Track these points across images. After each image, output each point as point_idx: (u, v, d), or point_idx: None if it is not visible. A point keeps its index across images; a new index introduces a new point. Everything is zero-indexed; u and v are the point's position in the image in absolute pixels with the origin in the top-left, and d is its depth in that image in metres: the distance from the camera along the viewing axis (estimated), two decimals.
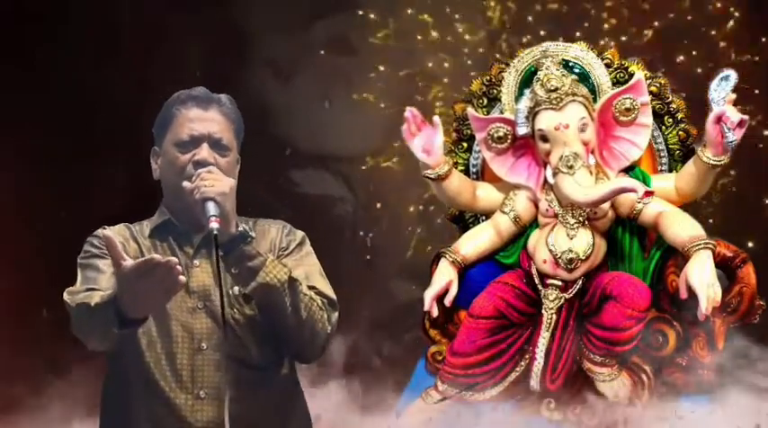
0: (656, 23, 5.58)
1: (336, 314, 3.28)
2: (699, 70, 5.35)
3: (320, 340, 3.23)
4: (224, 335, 3.14)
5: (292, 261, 3.31)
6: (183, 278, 2.91)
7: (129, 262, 2.92)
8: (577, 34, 5.39)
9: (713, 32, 5.51)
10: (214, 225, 3.07)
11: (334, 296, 3.30)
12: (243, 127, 3.37)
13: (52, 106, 4.97)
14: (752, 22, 5.43)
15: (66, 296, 3.19)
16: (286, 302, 3.15)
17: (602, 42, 5.35)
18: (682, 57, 5.48)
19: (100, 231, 3.31)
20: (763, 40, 5.45)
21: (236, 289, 3.23)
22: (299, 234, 3.41)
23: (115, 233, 3.28)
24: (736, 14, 5.47)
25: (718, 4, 5.52)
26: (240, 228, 3.14)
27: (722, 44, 5.50)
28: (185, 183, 3.17)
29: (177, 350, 3.21)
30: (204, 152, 3.24)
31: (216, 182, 3.14)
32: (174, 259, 2.90)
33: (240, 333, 3.24)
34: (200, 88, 3.36)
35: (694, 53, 5.48)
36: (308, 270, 3.31)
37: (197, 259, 3.28)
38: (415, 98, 5.72)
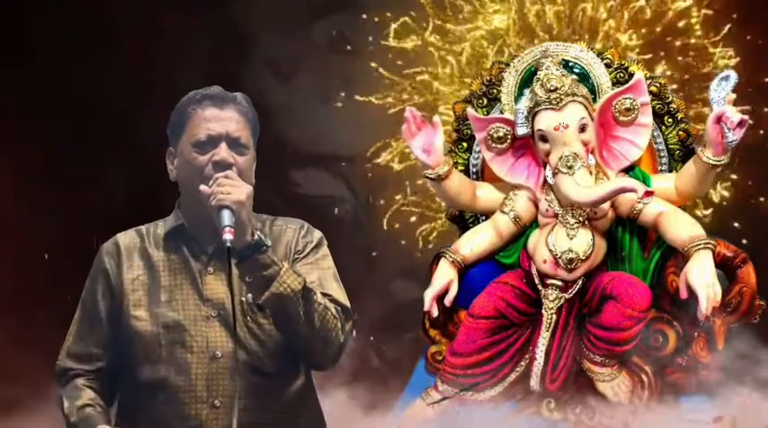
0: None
1: (351, 323, 3.23)
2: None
3: (333, 349, 3.19)
4: (234, 345, 3.12)
5: (307, 264, 3.26)
6: None
7: None
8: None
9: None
10: (228, 236, 3.02)
11: (348, 303, 3.24)
12: (258, 125, 3.34)
13: (52, 106, 4.97)
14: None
15: (56, 373, 3.25)
16: (299, 312, 3.11)
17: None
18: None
19: (110, 245, 3.30)
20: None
21: (250, 296, 3.20)
22: (317, 235, 3.35)
23: (124, 243, 3.27)
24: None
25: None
26: (256, 237, 3.09)
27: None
28: (203, 187, 3.12)
29: (192, 359, 3.18)
30: (223, 152, 3.20)
31: (233, 190, 3.08)
32: None
33: (254, 341, 3.21)
34: (216, 87, 3.32)
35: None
36: (323, 274, 3.26)
37: (211, 267, 3.24)
38: (415, 98, 5.73)
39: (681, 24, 5.70)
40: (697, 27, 5.70)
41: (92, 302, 3.27)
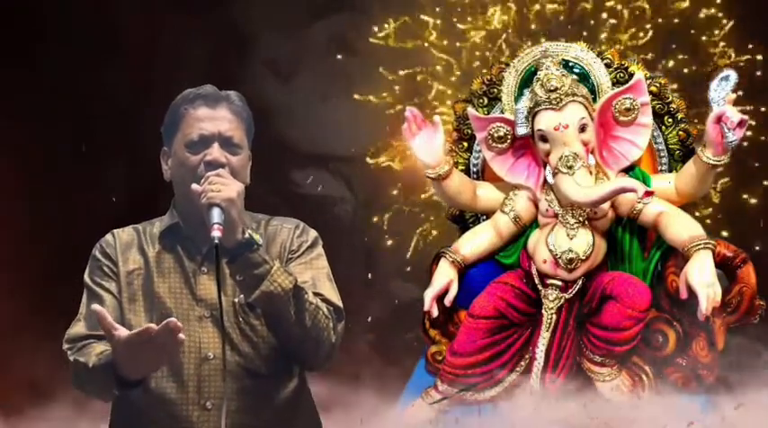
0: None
1: (342, 323, 3.21)
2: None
3: (325, 348, 3.17)
4: (223, 345, 3.10)
5: (301, 264, 3.24)
6: (182, 336, 2.92)
7: (122, 332, 2.93)
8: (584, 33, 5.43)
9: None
10: (216, 233, 3.00)
11: (340, 304, 3.21)
12: (253, 124, 3.32)
13: (52, 106, 4.97)
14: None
15: (65, 344, 3.17)
16: (290, 311, 3.09)
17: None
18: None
19: (108, 237, 3.29)
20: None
21: (242, 296, 3.19)
22: (312, 235, 3.33)
23: (121, 238, 3.26)
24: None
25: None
26: (247, 235, 3.07)
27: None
28: (194, 186, 3.10)
29: (184, 359, 3.16)
30: (215, 152, 3.18)
31: (223, 188, 3.06)
32: (173, 320, 2.90)
33: (247, 343, 3.19)
34: (209, 86, 3.29)
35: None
36: (316, 274, 3.24)
37: (205, 266, 3.23)
38: (415, 98, 5.73)
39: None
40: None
41: (96, 284, 3.25)
